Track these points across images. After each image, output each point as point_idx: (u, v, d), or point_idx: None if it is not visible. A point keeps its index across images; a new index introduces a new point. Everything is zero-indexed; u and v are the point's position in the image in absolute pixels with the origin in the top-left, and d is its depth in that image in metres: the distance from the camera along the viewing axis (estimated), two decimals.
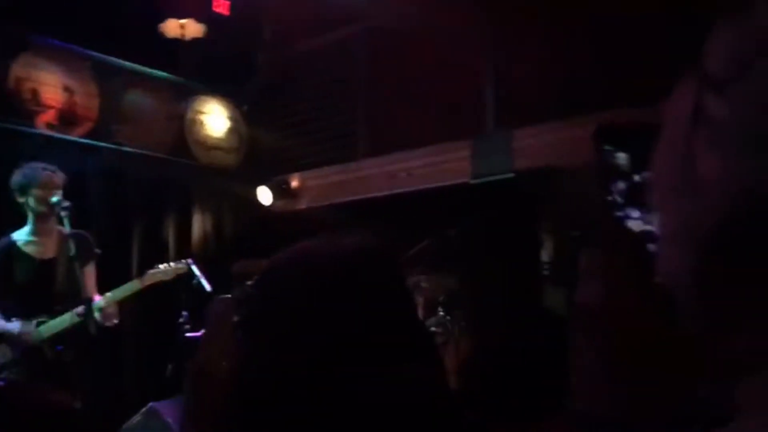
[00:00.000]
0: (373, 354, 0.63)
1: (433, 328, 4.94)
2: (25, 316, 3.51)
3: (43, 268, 3.59)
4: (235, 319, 0.73)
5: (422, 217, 5.12)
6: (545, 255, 4.73)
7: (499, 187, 4.95)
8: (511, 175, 4.95)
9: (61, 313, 3.51)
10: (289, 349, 0.65)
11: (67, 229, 3.48)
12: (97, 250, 3.75)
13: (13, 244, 3.59)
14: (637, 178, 3.83)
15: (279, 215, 6.07)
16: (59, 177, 3.59)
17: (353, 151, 5.98)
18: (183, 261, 4.08)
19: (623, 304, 0.69)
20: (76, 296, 3.41)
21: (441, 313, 4.95)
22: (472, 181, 5.18)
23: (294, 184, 6.13)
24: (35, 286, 3.56)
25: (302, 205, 6.11)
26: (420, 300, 4.77)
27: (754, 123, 0.28)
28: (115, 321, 3.62)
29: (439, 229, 4.81)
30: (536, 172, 4.77)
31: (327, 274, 0.69)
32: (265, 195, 6.05)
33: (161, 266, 3.93)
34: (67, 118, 5.19)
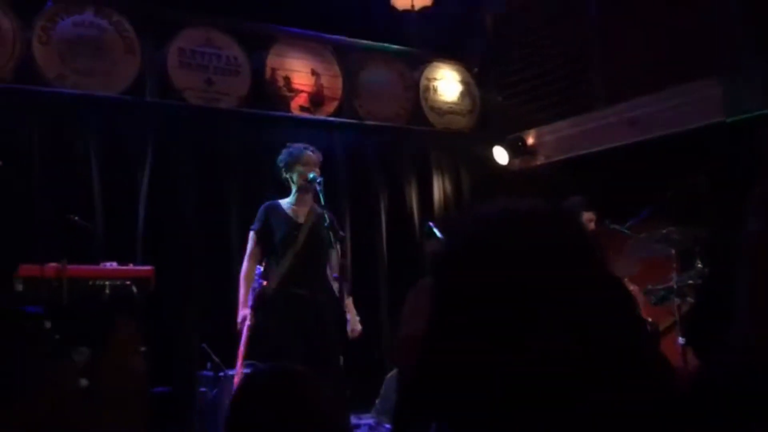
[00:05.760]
0: (560, 304, 0.66)
1: (690, 282, 4.63)
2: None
3: (297, 229, 4.00)
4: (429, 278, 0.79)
5: (669, 164, 4.78)
6: None
7: (758, 125, 4.44)
8: None
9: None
10: (471, 296, 0.70)
11: (321, 201, 3.85)
12: (342, 233, 4.11)
13: (278, 205, 4.08)
14: None
15: (516, 173, 6.06)
16: (317, 156, 4.03)
17: (589, 101, 5.74)
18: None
19: None
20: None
21: (699, 266, 4.62)
22: (729, 120, 4.72)
23: (530, 141, 6.06)
24: (290, 244, 3.97)
25: (539, 161, 6.03)
26: (672, 253, 4.48)
27: None
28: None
29: (689, 175, 4.46)
30: None
31: (504, 225, 0.74)
32: (501, 154, 6.07)
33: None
34: (316, 99, 5.65)
